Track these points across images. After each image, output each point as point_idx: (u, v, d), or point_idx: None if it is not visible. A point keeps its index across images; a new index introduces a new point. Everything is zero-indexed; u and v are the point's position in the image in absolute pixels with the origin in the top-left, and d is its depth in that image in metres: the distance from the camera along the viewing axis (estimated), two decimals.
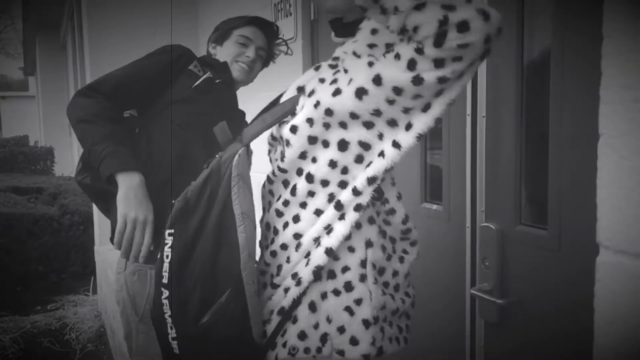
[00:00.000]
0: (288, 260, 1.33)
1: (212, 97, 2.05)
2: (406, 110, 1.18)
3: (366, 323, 1.27)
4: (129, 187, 1.69)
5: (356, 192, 1.24)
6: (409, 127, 1.20)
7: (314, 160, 1.29)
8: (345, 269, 1.28)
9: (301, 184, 1.31)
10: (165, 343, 1.34)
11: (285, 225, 1.34)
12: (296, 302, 1.30)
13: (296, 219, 1.32)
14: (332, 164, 1.26)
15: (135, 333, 1.89)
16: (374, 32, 1.29)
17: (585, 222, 1.43)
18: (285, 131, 1.33)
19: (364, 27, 1.31)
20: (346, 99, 1.21)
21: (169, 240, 1.33)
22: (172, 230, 1.33)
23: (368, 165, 1.24)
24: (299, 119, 1.30)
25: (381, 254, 1.33)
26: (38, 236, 5.89)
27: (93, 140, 1.71)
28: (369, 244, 1.30)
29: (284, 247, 1.34)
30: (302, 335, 1.29)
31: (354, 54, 1.28)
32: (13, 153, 11.47)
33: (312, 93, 1.30)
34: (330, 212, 1.27)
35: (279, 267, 1.35)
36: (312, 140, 1.28)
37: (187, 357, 1.33)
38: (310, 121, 1.27)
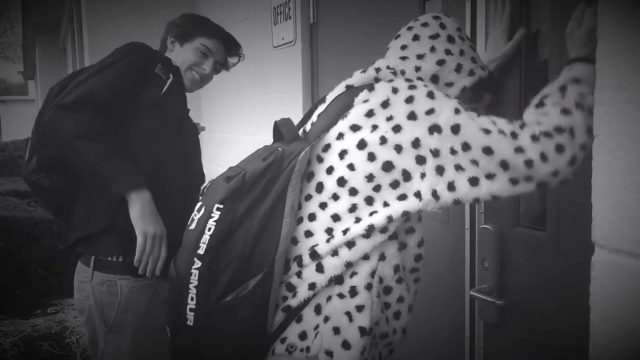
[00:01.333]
0: (296, 259, 1.33)
1: (177, 102, 2.05)
2: (459, 168, 1.22)
3: (362, 331, 1.27)
4: (143, 204, 1.74)
5: (390, 220, 1.26)
6: (451, 186, 1.24)
7: (351, 166, 1.31)
8: (354, 274, 1.29)
9: (329, 184, 1.32)
10: (179, 312, 1.33)
11: (300, 220, 1.35)
12: (303, 304, 1.31)
13: (312, 217, 1.34)
14: (370, 177, 1.28)
15: (104, 342, 1.88)
16: (403, 47, 1.44)
17: (584, 223, 1.43)
18: (343, 125, 1.34)
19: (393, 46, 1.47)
20: (419, 125, 1.24)
21: (215, 214, 1.32)
22: (222, 206, 1.33)
23: (401, 196, 1.27)
24: (361, 120, 1.31)
25: (392, 272, 1.33)
26: (38, 239, 5.89)
27: (95, 157, 1.71)
28: (382, 257, 1.30)
29: (293, 241, 1.34)
30: (303, 335, 1.30)
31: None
32: (13, 157, 11.47)
33: (386, 103, 1.30)
34: (356, 229, 1.27)
35: (286, 262, 1.34)
36: (360, 144, 1.30)
37: (199, 331, 1.32)
38: (374, 127, 1.29)
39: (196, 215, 1.35)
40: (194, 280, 1.30)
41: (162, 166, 1.90)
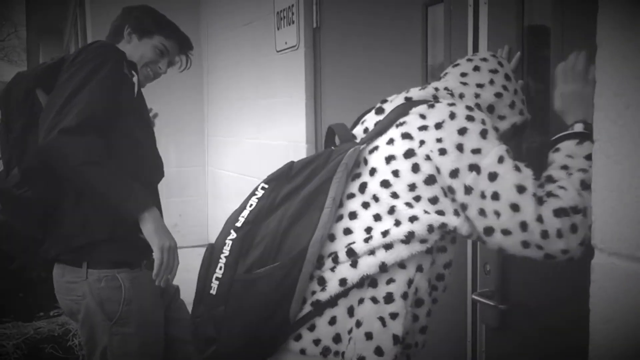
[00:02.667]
0: (331, 255, 1.31)
1: (144, 101, 2.04)
2: (482, 213, 1.24)
3: (395, 339, 1.26)
4: (155, 221, 1.80)
5: (430, 230, 1.26)
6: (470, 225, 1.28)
7: (395, 172, 1.31)
8: (391, 281, 1.28)
9: (372, 185, 1.33)
10: (206, 281, 1.35)
11: (340, 217, 1.35)
12: (333, 300, 1.29)
13: (352, 215, 1.34)
14: (412, 187, 1.28)
15: (109, 337, 1.89)
16: (463, 75, 1.47)
17: None
18: (395, 132, 1.35)
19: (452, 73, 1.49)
20: (463, 159, 1.25)
21: (259, 192, 1.39)
22: (267, 186, 1.40)
23: (439, 212, 1.27)
24: (414, 131, 1.32)
25: (426, 284, 1.32)
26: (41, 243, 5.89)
27: (106, 184, 1.74)
28: (419, 268, 1.30)
29: (331, 237, 1.33)
30: (337, 339, 1.29)
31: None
32: None
33: (439, 125, 1.30)
34: (395, 232, 1.27)
35: (320, 258, 1.32)
36: (408, 154, 1.30)
37: (220, 299, 1.32)
38: (422, 142, 1.29)
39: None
40: (226, 250, 1.33)
41: (143, 171, 1.94)
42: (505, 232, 1.22)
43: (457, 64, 1.54)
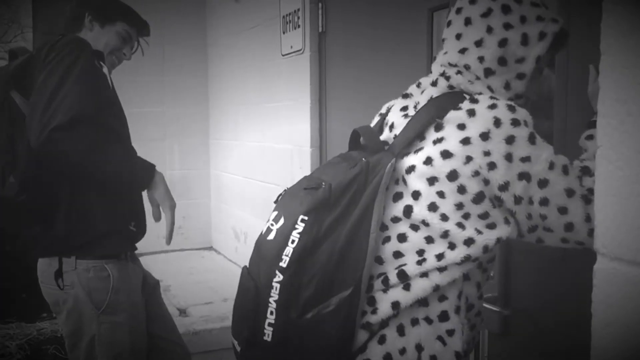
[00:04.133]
0: (380, 276, 1.28)
1: (115, 93, 2.01)
2: (529, 217, 1.23)
3: (458, 356, 1.25)
4: (164, 183, 1.93)
5: (486, 250, 1.23)
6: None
7: (441, 194, 1.24)
8: (443, 298, 1.26)
9: (418, 209, 1.26)
10: (255, 326, 1.28)
11: (387, 239, 1.30)
12: (384, 322, 1.27)
13: (402, 238, 1.29)
14: (460, 206, 1.23)
15: (98, 325, 1.91)
16: (458, 36, 1.35)
17: None
18: (434, 150, 1.27)
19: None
20: (512, 169, 1.21)
21: (300, 226, 1.27)
22: (307, 218, 1.27)
23: (490, 225, 1.24)
24: (456, 148, 1.24)
25: (475, 290, 1.32)
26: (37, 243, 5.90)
27: (115, 164, 1.81)
28: (466, 277, 1.28)
29: (378, 260, 1.29)
30: (388, 357, 1.26)
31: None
32: None
33: (486, 136, 1.22)
34: (451, 256, 1.23)
35: (370, 279, 1.28)
36: (452, 176, 1.23)
37: (278, 347, 1.27)
38: (469, 159, 1.22)
39: (274, 225, 1.31)
40: (275, 293, 1.25)
41: (127, 163, 1.94)
42: (549, 230, 1.23)
43: (449, 22, 1.40)
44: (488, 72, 1.31)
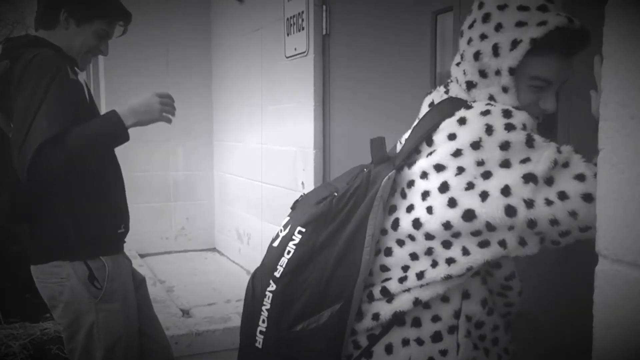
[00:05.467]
0: (368, 288, 1.28)
1: (94, 103, 1.99)
2: (554, 223, 1.12)
3: None
4: (130, 112, 1.89)
5: (470, 269, 1.18)
6: (542, 239, 1.18)
7: (429, 209, 1.20)
8: (436, 319, 1.23)
9: (405, 223, 1.24)
10: (250, 333, 1.30)
11: (377, 252, 1.29)
12: (374, 340, 1.26)
13: (388, 252, 1.28)
14: (447, 225, 1.17)
15: (96, 313, 1.94)
16: (459, 52, 1.29)
17: None
18: (427, 163, 1.23)
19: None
20: (512, 173, 1.13)
21: (297, 238, 1.27)
22: (304, 230, 1.27)
23: (482, 243, 1.17)
24: (446, 159, 1.19)
25: (480, 308, 1.26)
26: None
27: (95, 141, 1.83)
28: (465, 295, 1.24)
29: (370, 272, 1.28)
30: None
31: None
32: None
33: (477, 145, 1.16)
34: (431, 275, 1.20)
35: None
36: (443, 187, 1.18)
37: (267, 355, 1.28)
38: (460, 170, 1.17)
39: (281, 232, 1.31)
40: (267, 302, 1.26)
41: (109, 167, 2.03)
42: (584, 229, 1.10)
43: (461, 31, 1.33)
44: (470, 85, 1.26)
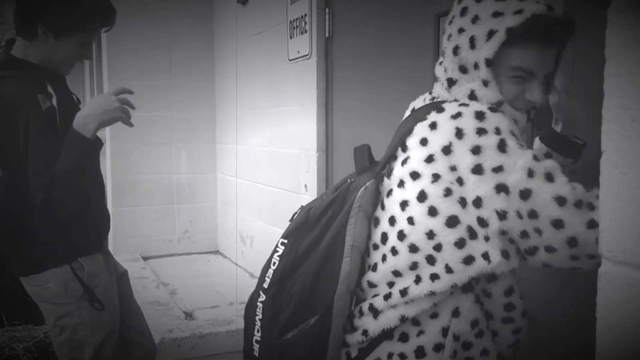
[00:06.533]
0: (359, 304, 1.28)
1: (65, 120, 1.90)
2: (525, 235, 1.10)
3: None
4: (83, 115, 1.83)
5: (455, 286, 1.15)
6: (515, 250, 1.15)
7: (410, 220, 1.19)
8: (420, 333, 1.21)
9: (391, 236, 1.23)
10: (248, 342, 1.34)
11: (369, 267, 1.29)
12: (364, 354, 1.26)
13: (374, 267, 1.27)
14: (430, 234, 1.16)
15: (79, 312, 1.97)
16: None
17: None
18: (403, 171, 1.22)
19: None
20: (485, 182, 1.10)
21: (280, 249, 1.32)
22: (286, 241, 1.32)
23: (467, 259, 1.14)
24: (420, 166, 1.18)
25: (469, 328, 1.21)
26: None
27: (63, 163, 1.80)
28: (455, 313, 1.19)
29: (360, 287, 1.29)
30: None
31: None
32: None
33: (448, 149, 1.14)
34: (415, 292, 1.18)
35: (356, 305, 1.30)
36: (421, 196, 1.17)
37: None
38: (436, 177, 1.15)
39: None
40: (259, 313, 1.30)
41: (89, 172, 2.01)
42: (551, 249, 1.08)
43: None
44: (450, 82, 1.24)
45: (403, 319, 1.20)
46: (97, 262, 2.04)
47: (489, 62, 1.16)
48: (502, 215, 1.09)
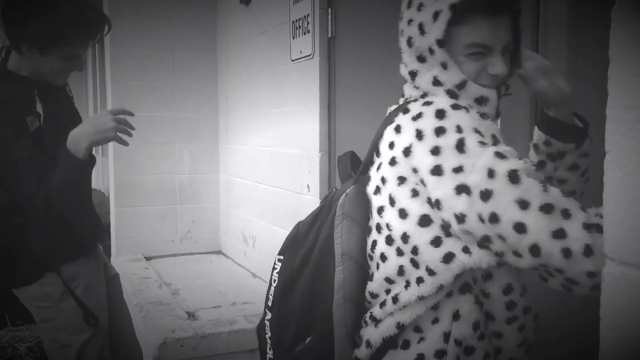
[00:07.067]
0: (366, 315, 1.26)
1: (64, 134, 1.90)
2: (487, 240, 1.06)
3: None
4: (77, 134, 1.84)
5: (441, 288, 1.12)
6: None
7: (388, 226, 1.18)
8: (421, 340, 1.17)
9: (380, 243, 1.21)
10: (263, 356, 1.36)
11: (371, 276, 1.27)
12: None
13: (371, 277, 1.25)
14: (405, 238, 1.15)
15: (57, 312, 1.99)
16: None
17: None
18: (377, 177, 1.22)
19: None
20: (444, 183, 1.07)
21: (277, 266, 1.32)
22: (282, 257, 1.32)
23: (446, 256, 1.10)
24: (387, 170, 1.17)
25: (470, 331, 1.16)
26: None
27: (56, 184, 1.82)
28: (456, 316, 1.15)
29: (367, 298, 1.27)
30: None
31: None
32: None
33: (408, 151, 1.13)
34: (404, 297, 1.15)
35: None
36: (391, 201, 1.16)
37: None
38: (402, 180, 1.15)
39: None
40: (268, 330, 1.32)
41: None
42: (518, 254, 1.03)
43: None
44: (412, 75, 1.24)
45: (400, 326, 1.17)
46: (76, 265, 2.04)
47: (440, 43, 1.15)
48: (460, 218, 1.06)
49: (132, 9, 4.55)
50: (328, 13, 3.07)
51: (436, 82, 1.19)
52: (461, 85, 1.17)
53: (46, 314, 2.00)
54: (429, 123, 1.11)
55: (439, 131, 1.09)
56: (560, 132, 1.29)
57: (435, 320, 1.16)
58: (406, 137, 1.13)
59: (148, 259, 4.56)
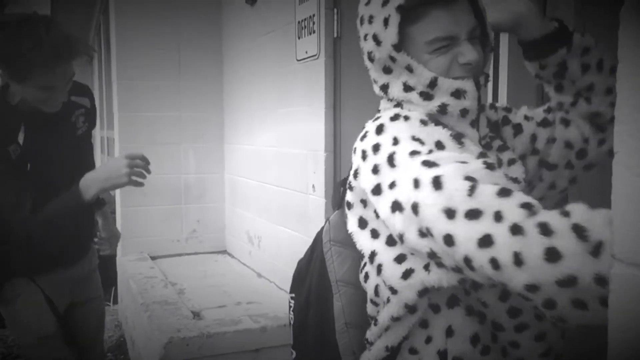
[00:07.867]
0: (365, 344, 1.21)
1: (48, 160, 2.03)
2: (432, 254, 0.98)
3: None
4: (91, 180, 1.89)
5: (408, 306, 1.07)
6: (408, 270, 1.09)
7: (361, 246, 1.16)
8: (414, 351, 1.13)
9: (368, 264, 1.17)
10: None
11: (369, 301, 1.24)
12: None
13: (368, 301, 1.21)
14: (372, 257, 1.12)
15: (8, 316, 2.15)
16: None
17: None
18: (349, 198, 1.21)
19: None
20: (382, 200, 1.04)
21: (291, 304, 1.32)
22: (293, 295, 1.32)
23: (407, 272, 1.05)
24: (354, 182, 1.14)
25: (469, 346, 1.10)
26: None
27: (55, 209, 1.89)
28: (449, 332, 1.10)
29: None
30: None
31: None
32: None
33: (356, 173, 1.11)
34: (382, 318, 1.12)
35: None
36: (362, 223, 1.15)
37: None
38: (363, 202, 1.13)
39: None
40: None
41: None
42: (458, 270, 0.94)
43: None
44: (384, 89, 1.20)
45: (389, 349, 1.12)
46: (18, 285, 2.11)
47: (398, 47, 1.10)
48: (401, 237, 0.99)
49: (138, 9, 4.56)
50: (334, 13, 3.07)
51: (407, 88, 1.14)
52: (432, 84, 1.10)
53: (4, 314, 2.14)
54: (370, 141, 1.08)
55: (376, 148, 1.06)
56: (542, 48, 1.22)
57: (428, 340, 1.11)
58: (355, 160, 1.12)
59: (154, 258, 4.57)
